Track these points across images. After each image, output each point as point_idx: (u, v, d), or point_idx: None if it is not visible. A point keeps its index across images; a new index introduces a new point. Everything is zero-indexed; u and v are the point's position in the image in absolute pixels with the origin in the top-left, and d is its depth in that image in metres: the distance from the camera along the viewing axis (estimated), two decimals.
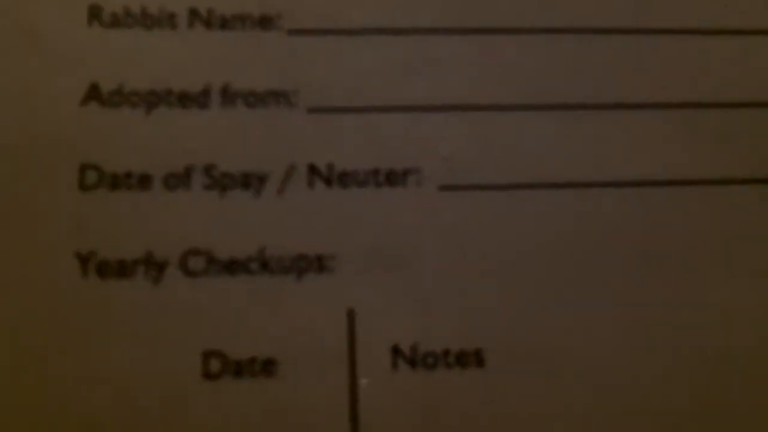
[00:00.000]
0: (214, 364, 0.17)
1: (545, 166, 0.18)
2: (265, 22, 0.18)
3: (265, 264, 0.17)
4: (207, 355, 0.17)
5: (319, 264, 0.17)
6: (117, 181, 0.17)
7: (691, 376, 0.17)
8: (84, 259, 0.17)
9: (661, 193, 0.18)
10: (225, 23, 0.18)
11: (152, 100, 0.17)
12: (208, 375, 0.17)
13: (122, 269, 0.17)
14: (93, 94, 0.17)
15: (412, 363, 0.17)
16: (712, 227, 0.18)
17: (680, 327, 0.18)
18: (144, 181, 0.17)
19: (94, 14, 0.18)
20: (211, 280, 0.17)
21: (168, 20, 0.18)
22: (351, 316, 0.17)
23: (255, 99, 0.18)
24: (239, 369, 0.17)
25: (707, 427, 0.17)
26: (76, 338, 0.16)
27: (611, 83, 0.18)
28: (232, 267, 0.17)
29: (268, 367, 0.17)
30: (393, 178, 0.18)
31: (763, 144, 0.18)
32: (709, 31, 0.19)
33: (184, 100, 0.17)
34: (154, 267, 0.17)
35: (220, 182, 0.17)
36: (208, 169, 0.17)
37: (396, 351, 0.17)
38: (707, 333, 0.18)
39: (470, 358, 0.17)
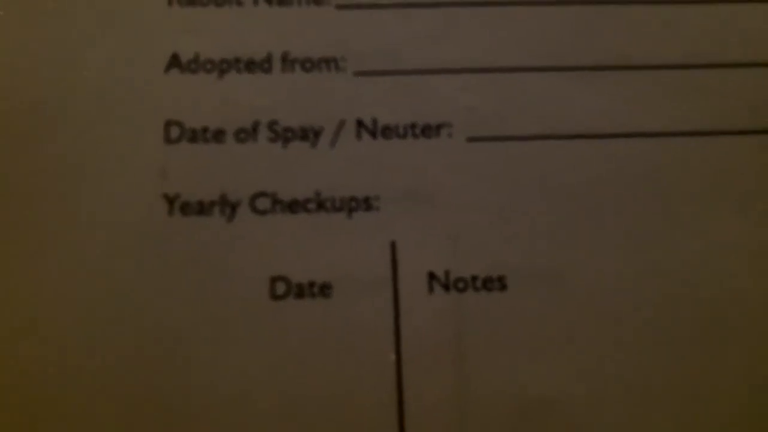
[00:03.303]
0: (280, 287, 0.18)
1: (558, 120, 0.19)
2: None
3: (320, 204, 0.19)
4: (273, 280, 0.18)
5: (366, 203, 0.19)
6: (196, 135, 0.19)
7: (689, 298, 0.19)
8: (170, 200, 0.18)
9: (662, 142, 0.19)
10: (283, 0, 0.19)
11: (223, 66, 0.19)
12: (274, 296, 0.18)
13: (201, 208, 0.18)
14: (174, 62, 0.19)
15: (446, 287, 0.18)
16: (706, 172, 0.19)
17: (678, 256, 0.19)
18: (218, 135, 0.19)
19: None
20: (276, 218, 0.18)
21: None
22: (393, 247, 0.19)
23: (310, 64, 0.19)
24: (300, 291, 0.18)
25: (702, 341, 0.19)
26: (165, 265, 0.18)
27: (617, 46, 0.19)
28: (294, 206, 0.19)
29: (324, 289, 0.18)
30: (428, 131, 0.19)
31: (753, 99, 0.19)
32: (704, 0, 0.20)
33: (251, 66, 0.19)
34: (228, 206, 0.18)
35: (282, 135, 0.19)
36: (272, 125, 0.19)
37: (432, 277, 0.18)
38: (702, 261, 0.19)
39: (494, 283, 0.19)
